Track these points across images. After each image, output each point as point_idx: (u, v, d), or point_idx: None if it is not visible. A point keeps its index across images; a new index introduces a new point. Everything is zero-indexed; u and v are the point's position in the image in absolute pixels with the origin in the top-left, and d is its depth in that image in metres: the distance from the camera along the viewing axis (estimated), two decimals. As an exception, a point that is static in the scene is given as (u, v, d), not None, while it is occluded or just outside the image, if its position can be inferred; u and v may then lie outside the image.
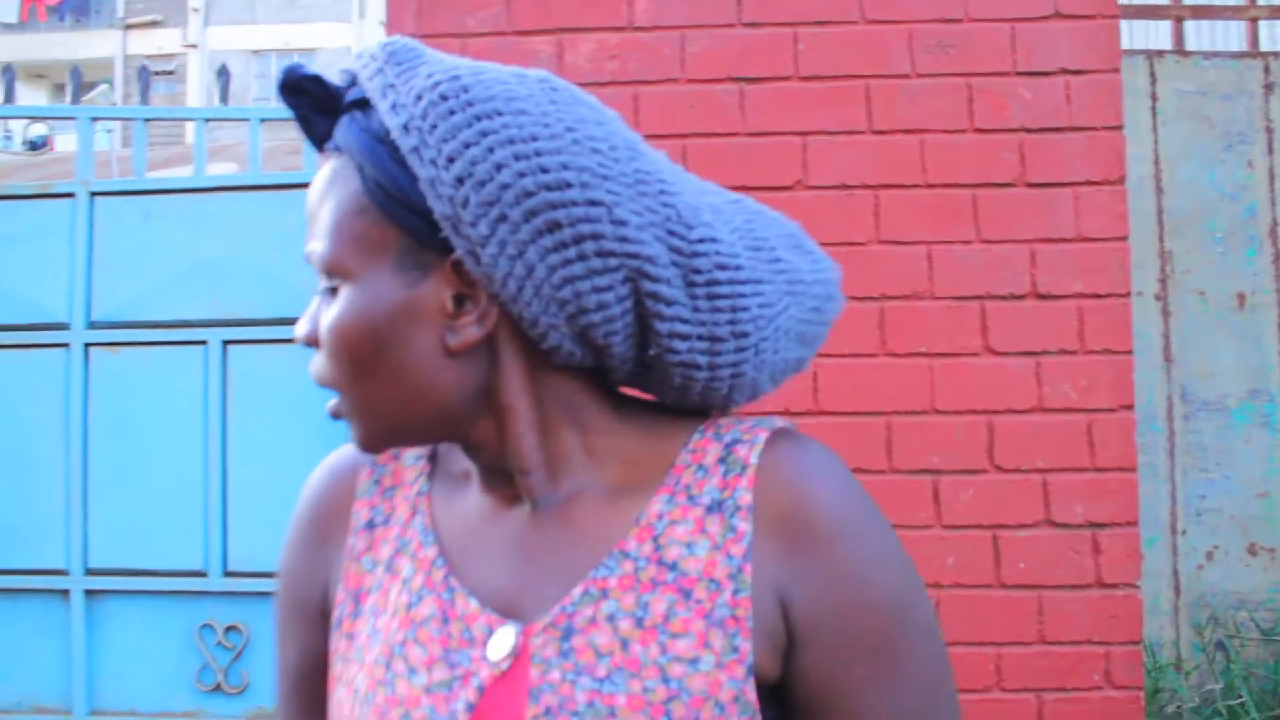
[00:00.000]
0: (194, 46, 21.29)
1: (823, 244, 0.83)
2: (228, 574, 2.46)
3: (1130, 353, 2.24)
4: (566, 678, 0.65)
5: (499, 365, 0.69)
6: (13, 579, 2.50)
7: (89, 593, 2.49)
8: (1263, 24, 3.29)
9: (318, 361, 0.70)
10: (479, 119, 0.64)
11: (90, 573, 2.49)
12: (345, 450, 0.80)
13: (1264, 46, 3.26)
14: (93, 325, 2.51)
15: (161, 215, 2.51)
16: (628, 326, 0.68)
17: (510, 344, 0.68)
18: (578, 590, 0.67)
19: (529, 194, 0.63)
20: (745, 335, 0.69)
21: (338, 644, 0.73)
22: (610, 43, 2.27)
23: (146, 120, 2.53)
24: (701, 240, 0.68)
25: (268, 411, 2.49)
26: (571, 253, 0.64)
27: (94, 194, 2.51)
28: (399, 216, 0.66)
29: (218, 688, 2.47)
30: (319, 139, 0.71)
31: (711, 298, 0.68)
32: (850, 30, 2.22)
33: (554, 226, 0.64)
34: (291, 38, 21.76)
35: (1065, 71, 2.23)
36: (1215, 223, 3.07)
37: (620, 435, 0.72)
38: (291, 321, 2.47)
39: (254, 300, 2.50)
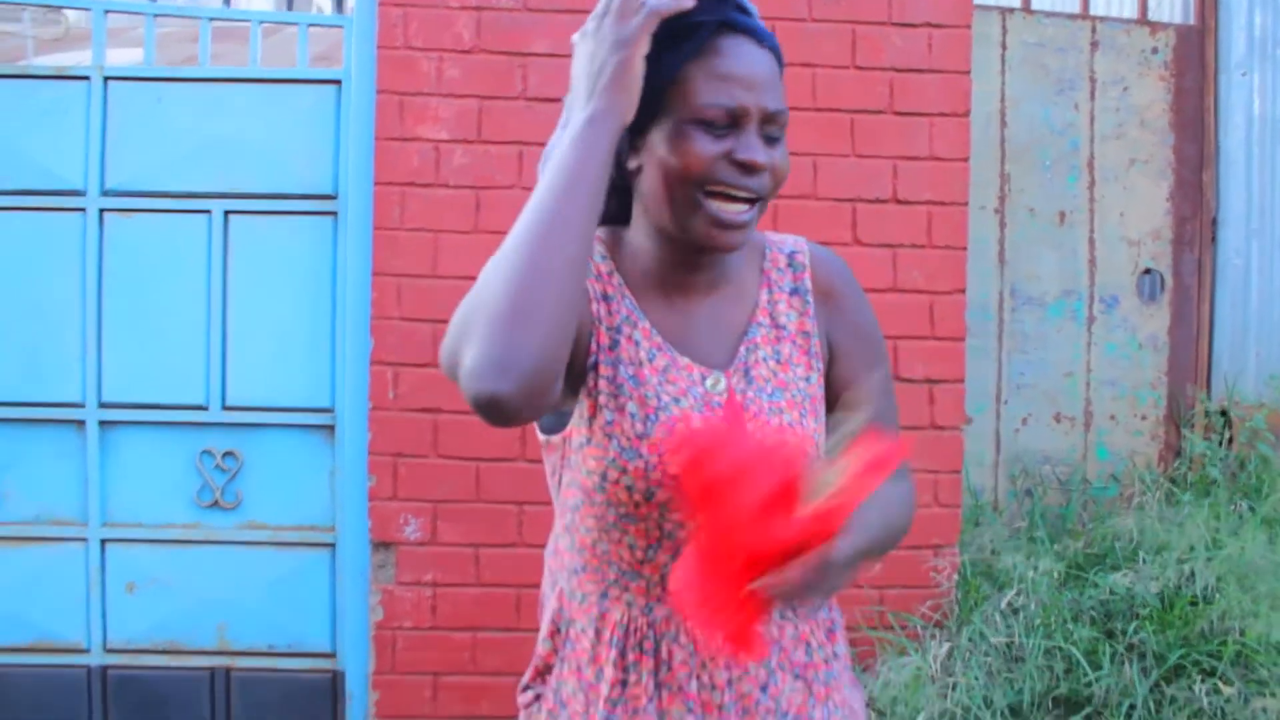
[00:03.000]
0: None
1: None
2: (226, 408, 2.88)
3: (965, 249, 2.85)
4: (755, 394, 1.12)
5: None
6: (37, 410, 2.83)
7: (103, 423, 2.84)
8: (1097, -11, 3.91)
9: (763, 181, 1.06)
10: None
11: (104, 405, 2.85)
12: None
13: (1093, 11, 3.88)
14: (106, 193, 2.84)
15: (171, 100, 2.86)
16: None
17: None
18: (742, 348, 1.14)
19: None
20: None
21: (595, 382, 1.09)
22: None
23: (155, 15, 2.88)
24: None
25: (260, 271, 2.86)
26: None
27: (107, 78, 2.85)
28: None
29: (215, 504, 2.88)
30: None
31: None
32: (763, -21, 2.73)
33: None
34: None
35: (929, 25, 2.80)
36: (1045, 153, 3.67)
37: (735, 256, 1.15)
38: (283, 196, 2.86)
39: (252, 177, 2.85)
